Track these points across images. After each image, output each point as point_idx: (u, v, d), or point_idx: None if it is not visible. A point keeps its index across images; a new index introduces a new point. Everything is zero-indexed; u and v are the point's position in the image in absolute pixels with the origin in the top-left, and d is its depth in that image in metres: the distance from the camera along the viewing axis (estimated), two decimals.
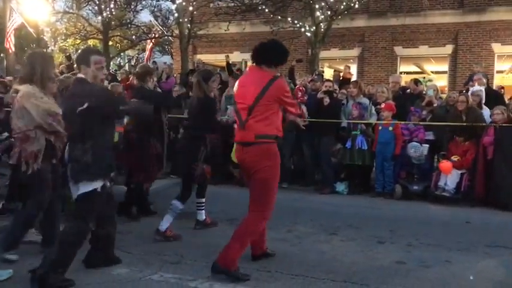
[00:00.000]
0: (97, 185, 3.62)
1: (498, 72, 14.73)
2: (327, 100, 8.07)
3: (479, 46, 14.66)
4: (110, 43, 20.42)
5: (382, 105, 7.78)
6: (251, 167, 3.91)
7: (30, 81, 4.05)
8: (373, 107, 8.14)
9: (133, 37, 22.83)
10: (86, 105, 3.50)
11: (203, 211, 5.44)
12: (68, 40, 20.85)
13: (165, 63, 15.86)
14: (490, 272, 4.17)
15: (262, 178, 3.87)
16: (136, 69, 6.64)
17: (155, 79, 6.11)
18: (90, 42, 21.55)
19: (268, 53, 3.97)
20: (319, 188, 8.12)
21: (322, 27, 13.50)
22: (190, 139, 5.30)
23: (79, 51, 4.16)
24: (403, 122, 7.79)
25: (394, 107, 7.72)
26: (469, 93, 7.96)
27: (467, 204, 7.00)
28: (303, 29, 13.61)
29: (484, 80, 8.89)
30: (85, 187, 3.60)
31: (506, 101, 8.93)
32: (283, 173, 8.11)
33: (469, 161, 7.16)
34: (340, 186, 8.07)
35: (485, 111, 7.60)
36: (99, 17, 18.84)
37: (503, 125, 6.99)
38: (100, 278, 3.80)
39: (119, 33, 21.72)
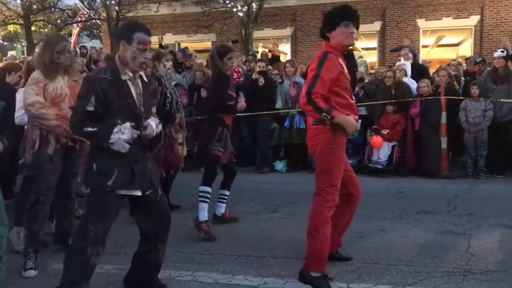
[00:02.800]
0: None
1: (424, 46, 15.44)
2: (262, 81, 8.11)
3: (405, 22, 15.24)
4: (33, 28, 19.29)
5: None
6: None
7: (39, 67, 3.86)
8: None
9: (58, 21, 21.67)
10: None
11: (224, 205, 4.99)
12: None
13: (93, 48, 15.25)
14: (420, 237, 4.42)
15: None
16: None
17: (168, 64, 5.39)
18: (10, 27, 20.26)
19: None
20: (258, 168, 8.21)
21: (254, 7, 13.48)
22: (207, 122, 4.91)
23: (121, 24, 3.24)
24: None
25: None
26: (394, 67, 8.30)
27: (399, 175, 7.34)
28: (234, 9, 13.51)
29: (411, 55, 9.27)
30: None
31: (431, 75, 9.37)
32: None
33: (398, 133, 7.50)
34: (279, 165, 8.20)
35: (412, 85, 7.95)
36: (18, 0, 17.69)
37: (429, 97, 7.35)
38: (36, 274, 3.66)
39: (42, 18, 20.53)
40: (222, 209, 5.00)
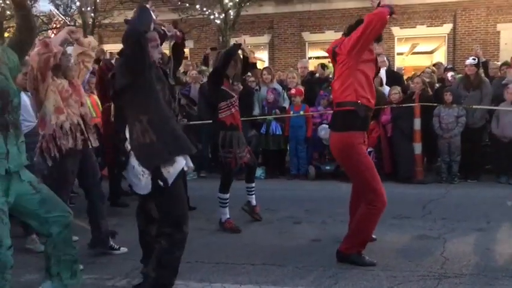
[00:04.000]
0: (179, 166, 2.89)
1: (398, 54, 15.71)
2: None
3: None
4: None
5: (292, 91, 7.99)
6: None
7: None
8: (285, 92, 8.36)
9: None
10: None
11: (253, 196, 5.39)
12: None
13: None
14: (396, 242, 4.47)
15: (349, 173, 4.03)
16: None
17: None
18: None
19: None
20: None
21: (231, 14, 13.52)
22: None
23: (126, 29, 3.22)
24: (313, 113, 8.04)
25: (303, 92, 7.97)
26: None
27: None
28: (212, 17, 13.53)
29: (387, 62, 9.41)
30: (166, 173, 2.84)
31: (406, 82, 9.52)
32: (200, 163, 8.18)
33: (374, 139, 7.58)
34: (258, 171, 8.18)
35: (386, 91, 8.06)
36: None
37: (403, 104, 7.47)
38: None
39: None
40: (253, 200, 5.35)
